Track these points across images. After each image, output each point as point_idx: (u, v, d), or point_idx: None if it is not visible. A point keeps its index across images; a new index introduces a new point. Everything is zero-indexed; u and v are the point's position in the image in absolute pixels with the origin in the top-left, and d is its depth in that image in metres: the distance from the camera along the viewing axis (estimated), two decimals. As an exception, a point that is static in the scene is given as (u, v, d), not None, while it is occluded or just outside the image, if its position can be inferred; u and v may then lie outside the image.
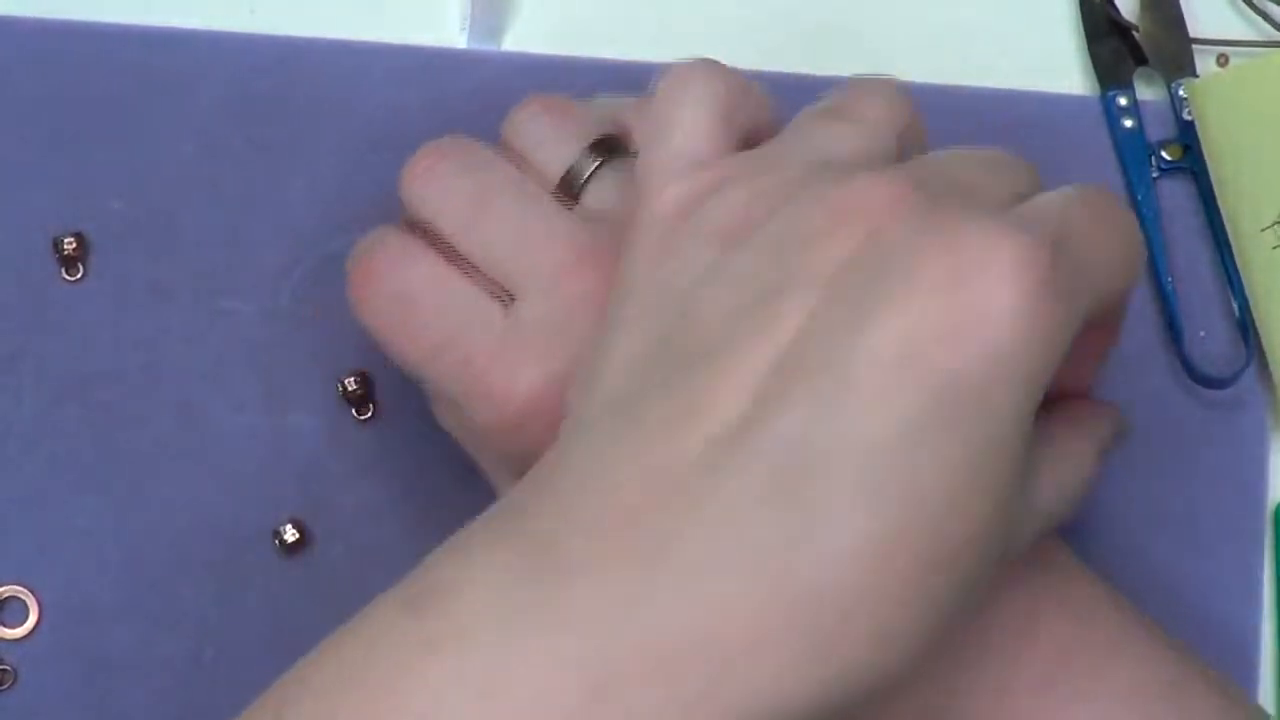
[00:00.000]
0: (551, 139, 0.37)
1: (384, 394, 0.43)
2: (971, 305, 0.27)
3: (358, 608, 0.40)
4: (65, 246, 0.42)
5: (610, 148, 0.37)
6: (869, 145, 0.33)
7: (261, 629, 0.41)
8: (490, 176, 0.36)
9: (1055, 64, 0.48)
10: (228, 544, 0.41)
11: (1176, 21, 0.48)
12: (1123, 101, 0.47)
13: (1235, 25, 0.48)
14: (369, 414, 0.42)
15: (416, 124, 0.44)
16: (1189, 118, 0.46)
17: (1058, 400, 0.33)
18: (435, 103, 0.44)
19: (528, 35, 0.46)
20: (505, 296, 0.35)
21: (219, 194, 0.43)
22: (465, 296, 0.35)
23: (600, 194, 0.36)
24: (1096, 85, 0.47)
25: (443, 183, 0.36)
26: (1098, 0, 0.48)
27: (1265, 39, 0.48)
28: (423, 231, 0.36)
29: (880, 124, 0.33)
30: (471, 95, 0.45)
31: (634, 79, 0.45)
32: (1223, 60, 0.48)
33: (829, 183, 0.30)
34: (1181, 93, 0.47)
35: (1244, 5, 0.48)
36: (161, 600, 0.41)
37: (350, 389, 0.42)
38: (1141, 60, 0.47)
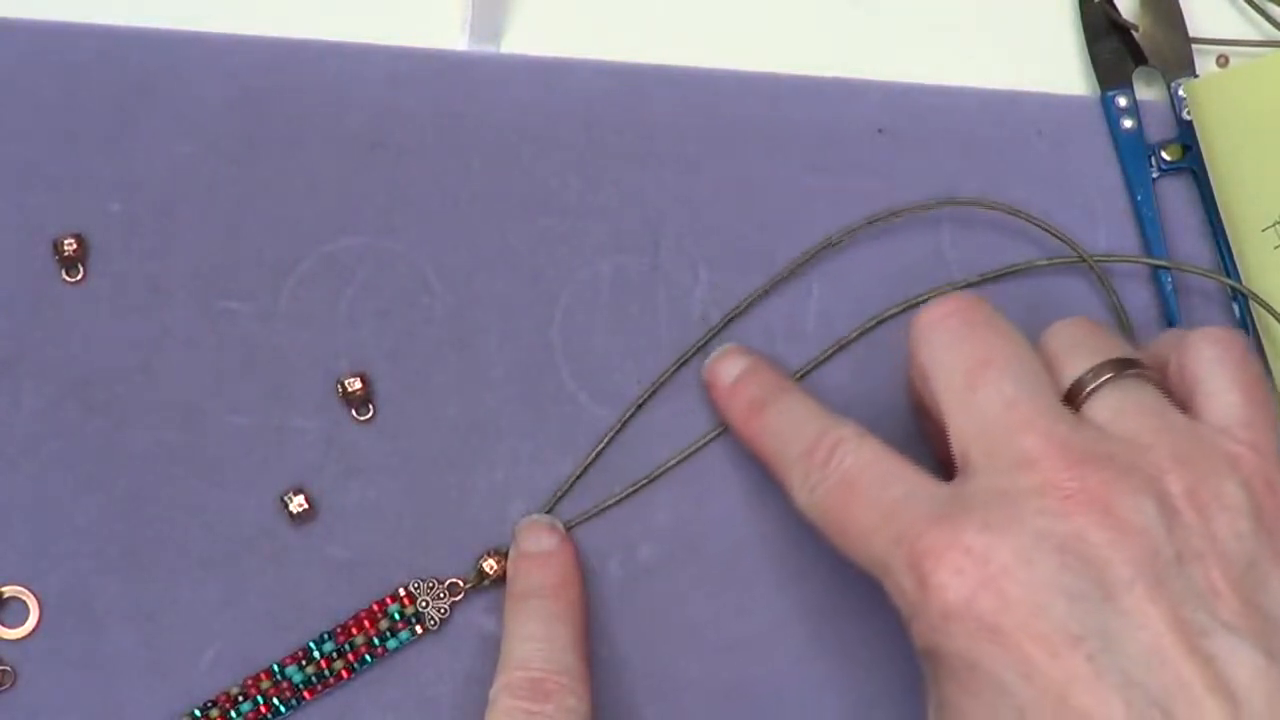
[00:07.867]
0: (1075, 346, 0.37)
1: (384, 394, 0.43)
2: None
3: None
4: (65, 247, 0.42)
5: (1124, 366, 0.37)
6: None
7: (262, 628, 0.41)
8: (998, 343, 0.37)
9: (1055, 64, 0.48)
10: (228, 544, 0.41)
11: (1176, 21, 0.48)
12: (1122, 102, 0.47)
13: (1235, 25, 0.48)
14: (369, 414, 0.42)
15: (416, 125, 0.44)
16: (1188, 117, 0.46)
17: None
18: (435, 104, 0.44)
19: (528, 36, 0.46)
20: (947, 477, 0.36)
21: (218, 194, 0.43)
22: (907, 475, 0.36)
23: (1100, 409, 0.36)
24: (1096, 85, 0.47)
25: (949, 335, 0.37)
26: (1097, 0, 0.48)
27: (1265, 39, 0.48)
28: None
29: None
30: (471, 96, 0.45)
31: (634, 79, 0.45)
32: (1223, 60, 0.48)
33: None
34: (1181, 93, 0.47)
35: (1244, 5, 0.48)
36: (161, 600, 0.41)
37: (350, 389, 0.42)
38: (1141, 60, 0.47)
